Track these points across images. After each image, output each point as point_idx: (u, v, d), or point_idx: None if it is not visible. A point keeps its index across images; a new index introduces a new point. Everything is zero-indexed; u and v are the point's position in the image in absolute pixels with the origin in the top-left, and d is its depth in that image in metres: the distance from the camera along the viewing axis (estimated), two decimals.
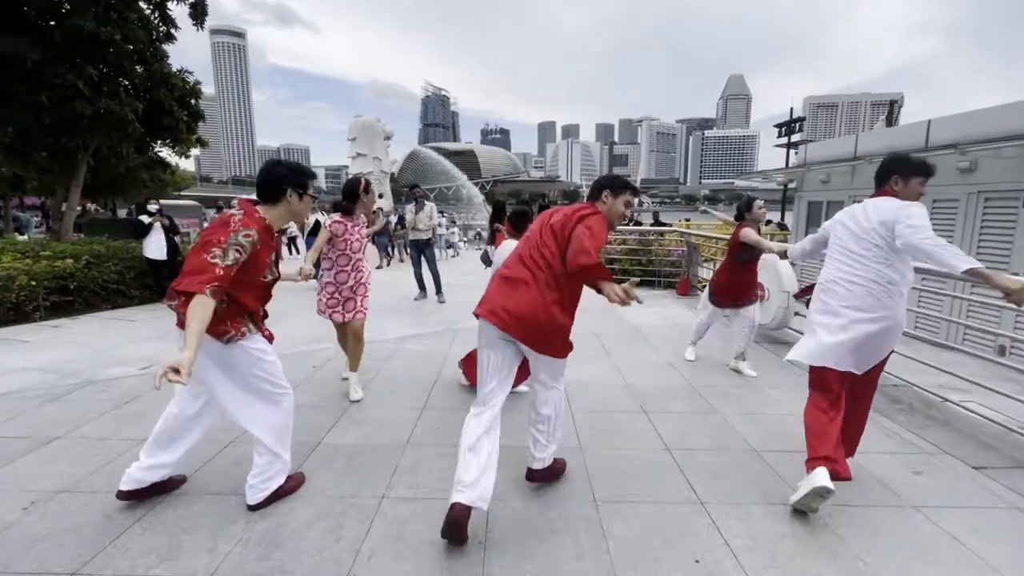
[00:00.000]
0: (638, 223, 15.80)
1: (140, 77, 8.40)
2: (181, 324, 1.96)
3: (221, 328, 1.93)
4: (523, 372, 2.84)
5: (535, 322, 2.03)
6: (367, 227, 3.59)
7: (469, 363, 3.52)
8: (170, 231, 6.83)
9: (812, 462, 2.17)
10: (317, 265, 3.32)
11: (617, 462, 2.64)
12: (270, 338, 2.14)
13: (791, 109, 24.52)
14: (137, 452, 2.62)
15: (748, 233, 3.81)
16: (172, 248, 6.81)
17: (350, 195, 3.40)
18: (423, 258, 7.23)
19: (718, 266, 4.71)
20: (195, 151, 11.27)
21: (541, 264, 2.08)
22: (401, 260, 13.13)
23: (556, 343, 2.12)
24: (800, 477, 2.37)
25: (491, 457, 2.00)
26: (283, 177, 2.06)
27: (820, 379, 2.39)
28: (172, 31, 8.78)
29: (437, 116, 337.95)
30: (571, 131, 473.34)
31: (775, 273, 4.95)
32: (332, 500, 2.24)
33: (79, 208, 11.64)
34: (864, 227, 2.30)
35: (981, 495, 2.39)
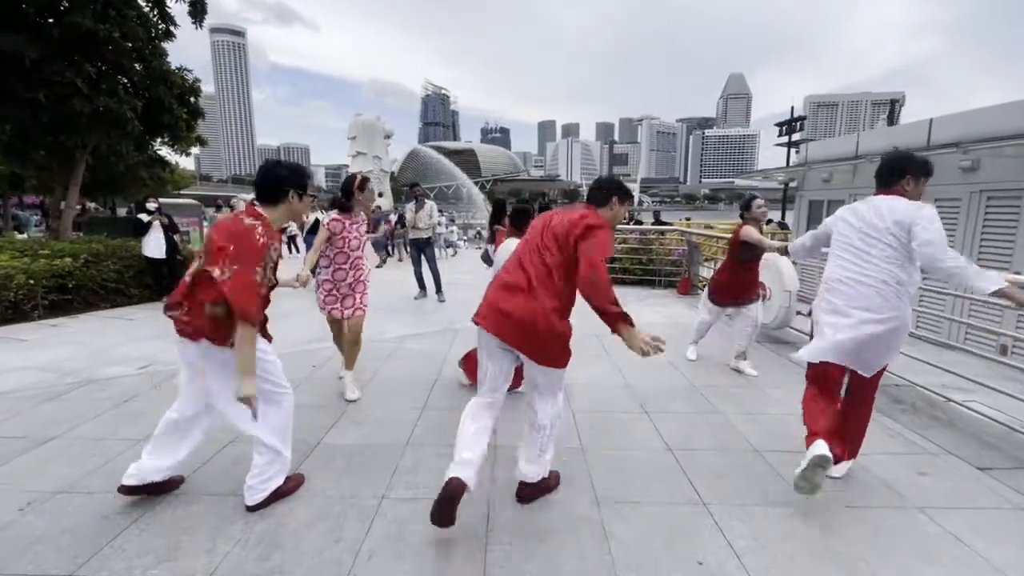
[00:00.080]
0: (639, 222, 15.79)
1: (139, 75, 8.37)
2: (183, 332, 1.94)
3: (225, 335, 1.93)
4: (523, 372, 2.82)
5: (534, 331, 1.98)
6: (367, 229, 3.55)
7: (469, 362, 3.50)
8: (169, 229, 6.80)
9: (811, 436, 2.22)
10: (315, 267, 3.30)
11: (618, 462, 2.62)
12: (269, 338, 2.13)
13: (792, 108, 24.49)
14: (135, 452, 2.61)
15: (748, 231, 3.79)
16: (171, 247, 6.78)
17: (346, 192, 3.38)
18: (423, 257, 7.21)
19: (719, 265, 4.70)
20: (195, 150, 11.25)
21: (541, 270, 2.03)
22: (400, 259, 13.10)
23: (555, 352, 2.06)
24: None
25: (486, 442, 2.09)
26: (284, 178, 2.07)
27: (819, 372, 2.41)
28: (171, 29, 8.75)
29: (437, 115, 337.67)
30: (571, 130, 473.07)
31: (777, 272, 4.92)
32: (332, 500, 2.23)
33: (78, 207, 11.62)
34: (877, 226, 2.26)
35: (986, 496, 2.37)
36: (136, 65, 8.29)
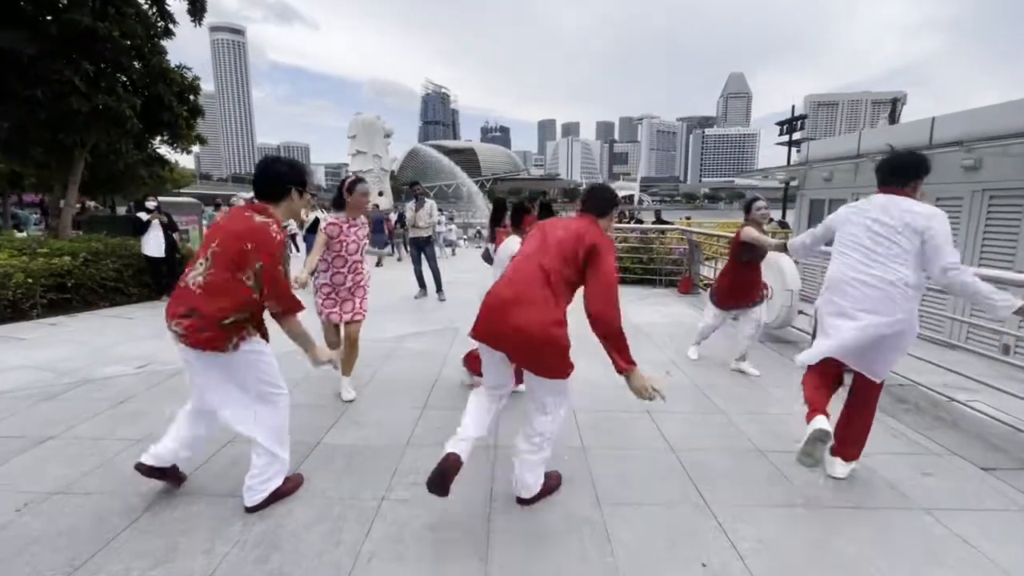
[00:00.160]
0: (639, 221, 15.76)
1: (138, 73, 8.34)
2: (187, 341, 1.90)
3: (225, 338, 1.92)
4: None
5: (534, 345, 1.94)
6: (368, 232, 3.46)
7: (473, 362, 3.47)
8: (169, 228, 6.78)
9: (812, 413, 2.29)
10: (314, 270, 3.27)
11: (620, 463, 2.60)
12: (266, 338, 2.12)
13: (793, 107, 24.46)
14: (133, 452, 2.59)
15: (748, 231, 3.78)
16: (171, 245, 6.76)
17: (338, 196, 3.32)
18: (423, 256, 7.18)
19: (721, 268, 4.67)
20: (195, 148, 11.22)
21: (543, 283, 1.99)
22: (399, 258, 13.07)
23: (557, 364, 1.99)
24: (805, 477, 2.38)
25: (488, 422, 2.17)
26: (285, 175, 2.06)
27: (820, 365, 2.42)
28: (170, 27, 8.72)
29: (437, 114, 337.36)
30: (571, 129, 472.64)
31: (778, 271, 4.90)
32: (331, 502, 2.20)
33: (78, 205, 11.59)
34: (888, 224, 2.23)
35: (992, 497, 2.35)
36: (135, 63, 8.26)
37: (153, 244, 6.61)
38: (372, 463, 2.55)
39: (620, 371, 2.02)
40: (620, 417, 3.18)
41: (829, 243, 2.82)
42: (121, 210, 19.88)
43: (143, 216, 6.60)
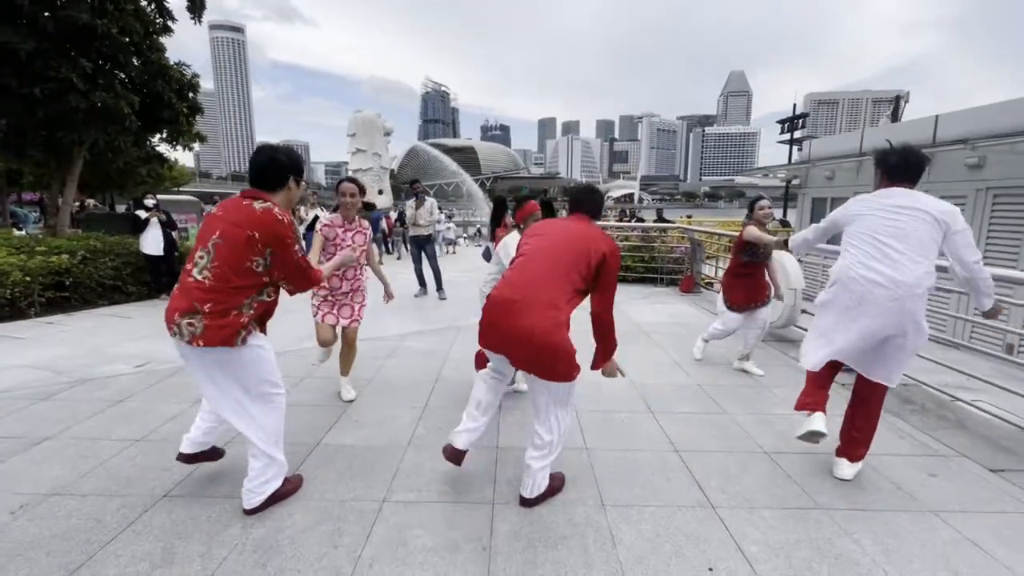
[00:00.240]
0: (640, 219, 15.72)
1: (136, 70, 8.29)
2: (194, 339, 1.85)
3: (236, 330, 1.88)
4: None
5: (537, 347, 1.91)
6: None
7: (482, 362, 3.43)
8: (167, 226, 6.74)
9: (811, 407, 2.40)
10: None
11: (624, 464, 2.57)
12: (265, 332, 2.09)
13: (794, 105, 24.39)
14: (130, 453, 2.58)
15: (751, 230, 3.75)
16: (169, 243, 6.72)
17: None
18: (423, 254, 7.15)
19: (725, 269, 4.62)
20: (195, 146, 11.17)
21: (548, 285, 1.97)
22: (398, 257, 13.03)
23: (563, 367, 1.96)
24: (811, 478, 2.39)
25: (490, 415, 2.29)
26: (284, 165, 2.03)
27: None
28: (169, 24, 8.67)
29: (437, 112, 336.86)
30: (571, 128, 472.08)
31: (781, 269, 4.86)
32: (331, 504, 2.17)
33: (77, 204, 11.55)
34: (913, 215, 2.20)
35: (1001, 499, 2.31)
36: (134, 60, 8.21)
37: (152, 242, 6.58)
38: (373, 464, 2.51)
39: (598, 367, 2.23)
40: (623, 418, 3.14)
41: (831, 240, 2.80)
42: (120, 208, 19.84)
43: (142, 214, 6.56)
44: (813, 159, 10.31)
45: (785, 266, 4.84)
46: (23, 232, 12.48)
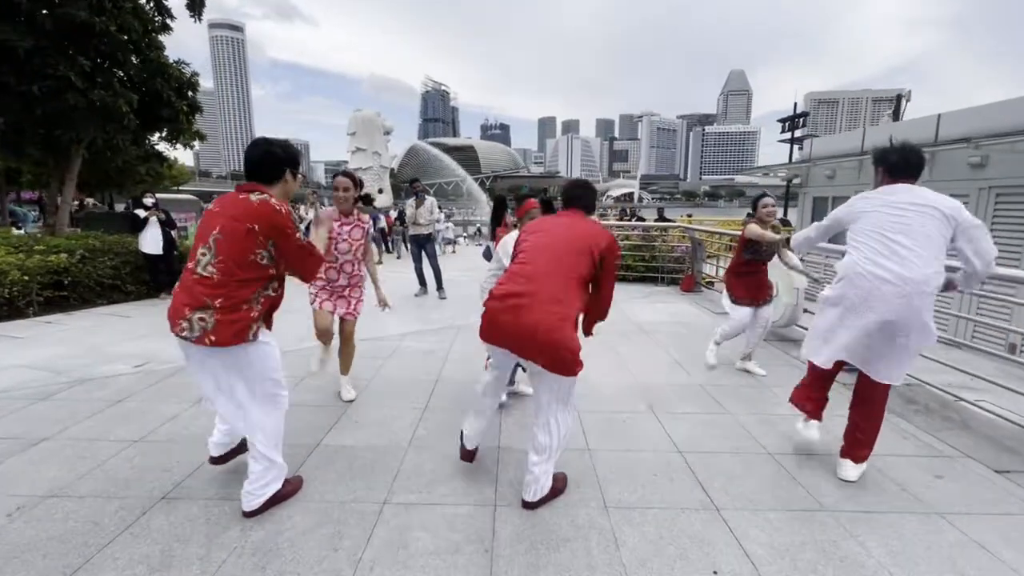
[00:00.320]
0: (641, 218, 15.69)
1: (135, 68, 8.25)
2: (204, 338, 1.82)
3: (248, 324, 1.87)
4: None
5: (541, 344, 1.90)
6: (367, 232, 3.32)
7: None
8: (166, 225, 6.72)
9: (808, 413, 2.56)
10: None
11: (627, 465, 2.54)
12: (270, 327, 2.08)
13: (795, 104, 24.34)
14: (129, 454, 2.56)
15: (752, 228, 3.72)
16: (168, 242, 6.69)
17: None
18: (424, 253, 7.12)
19: (728, 265, 4.59)
20: (196, 144, 11.14)
21: (555, 280, 1.97)
22: (398, 256, 13.01)
23: (568, 360, 1.94)
24: (815, 479, 2.39)
25: (492, 414, 2.41)
26: (281, 158, 2.01)
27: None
28: (168, 22, 8.63)
29: (437, 111, 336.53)
30: (571, 127, 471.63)
31: (784, 269, 4.83)
32: (331, 506, 2.15)
33: (76, 203, 11.52)
34: (921, 211, 2.19)
35: (1007, 501, 2.29)
36: (132, 58, 8.17)
37: (151, 241, 6.55)
38: (373, 465, 2.49)
39: (590, 331, 2.37)
40: (625, 418, 3.12)
41: (832, 239, 2.78)
42: (119, 207, 19.80)
43: (141, 213, 6.54)
44: (814, 158, 10.28)
45: (790, 265, 4.80)
46: (22, 231, 12.44)
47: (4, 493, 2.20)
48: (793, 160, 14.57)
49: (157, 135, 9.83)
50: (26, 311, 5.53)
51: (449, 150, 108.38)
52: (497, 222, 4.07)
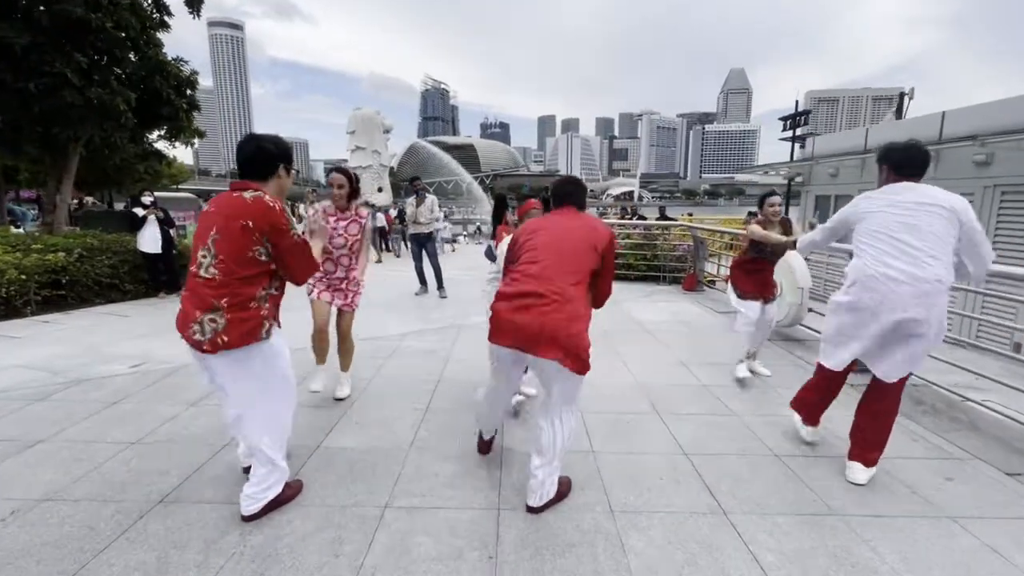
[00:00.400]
0: (642, 217, 15.63)
1: (133, 66, 8.19)
2: (217, 337, 1.79)
3: (260, 322, 1.86)
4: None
5: (562, 336, 1.88)
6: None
7: None
8: (165, 224, 6.67)
9: (806, 417, 2.68)
10: None
11: (632, 467, 2.50)
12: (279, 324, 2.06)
13: (796, 103, 24.27)
14: (125, 456, 2.52)
15: (753, 228, 3.68)
16: (167, 241, 6.64)
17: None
18: (424, 252, 7.08)
19: (732, 260, 4.54)
20: (195, 142, 11.07)
21: (563, 277, 1.96)
22: (398, 255, 12.95)
23: (581, 356, 1.93)
24: (823, 482, 2.37)
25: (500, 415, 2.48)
26: (274, 154, 1.98)
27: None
28: (166, 19, 8.56)
29: (436, 110, 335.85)
30: (571, 125, 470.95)
31: (788, 269, 4.79)
32: (332, 510, 2.11)
33: (75, 201, 11.46)
34: (928, 209, 2.15)
35: (1018, 504, 2.26)
36: (130, 56, 8.10)
37: (149, 240, 6.50)
38: (374, 467, 2.45)
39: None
40: (630, 419, 3.08)
41: (842, 238, 2.73)
42: (118, 206, 19.74)
43: (139, 212, 6.48)
44: (816, 156, 10.23)
45: (792, 265, 4.77)
46: (21, 230, 12.38)
47: None
48: (794, 158, 14.51)
49: (156, 133, 9.76)
50: (23, 310, 5.48)
51: (449, 148, 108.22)
52: (498, 221, 4.02)
